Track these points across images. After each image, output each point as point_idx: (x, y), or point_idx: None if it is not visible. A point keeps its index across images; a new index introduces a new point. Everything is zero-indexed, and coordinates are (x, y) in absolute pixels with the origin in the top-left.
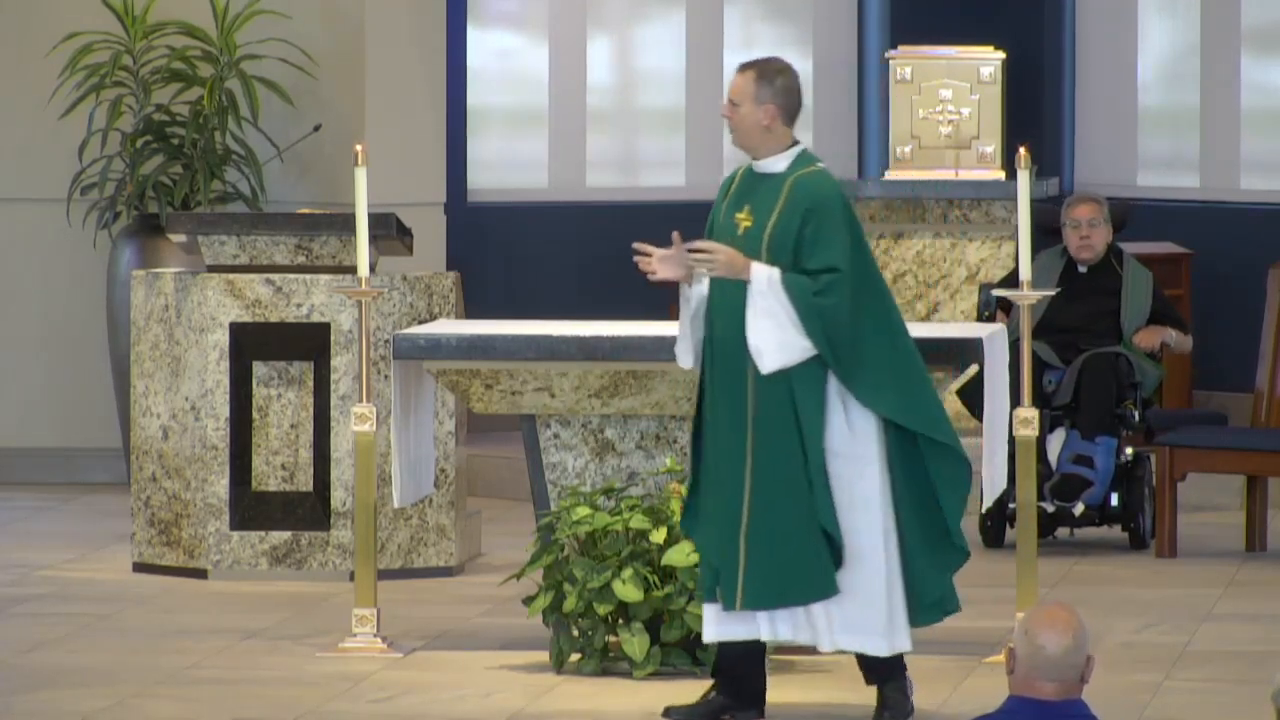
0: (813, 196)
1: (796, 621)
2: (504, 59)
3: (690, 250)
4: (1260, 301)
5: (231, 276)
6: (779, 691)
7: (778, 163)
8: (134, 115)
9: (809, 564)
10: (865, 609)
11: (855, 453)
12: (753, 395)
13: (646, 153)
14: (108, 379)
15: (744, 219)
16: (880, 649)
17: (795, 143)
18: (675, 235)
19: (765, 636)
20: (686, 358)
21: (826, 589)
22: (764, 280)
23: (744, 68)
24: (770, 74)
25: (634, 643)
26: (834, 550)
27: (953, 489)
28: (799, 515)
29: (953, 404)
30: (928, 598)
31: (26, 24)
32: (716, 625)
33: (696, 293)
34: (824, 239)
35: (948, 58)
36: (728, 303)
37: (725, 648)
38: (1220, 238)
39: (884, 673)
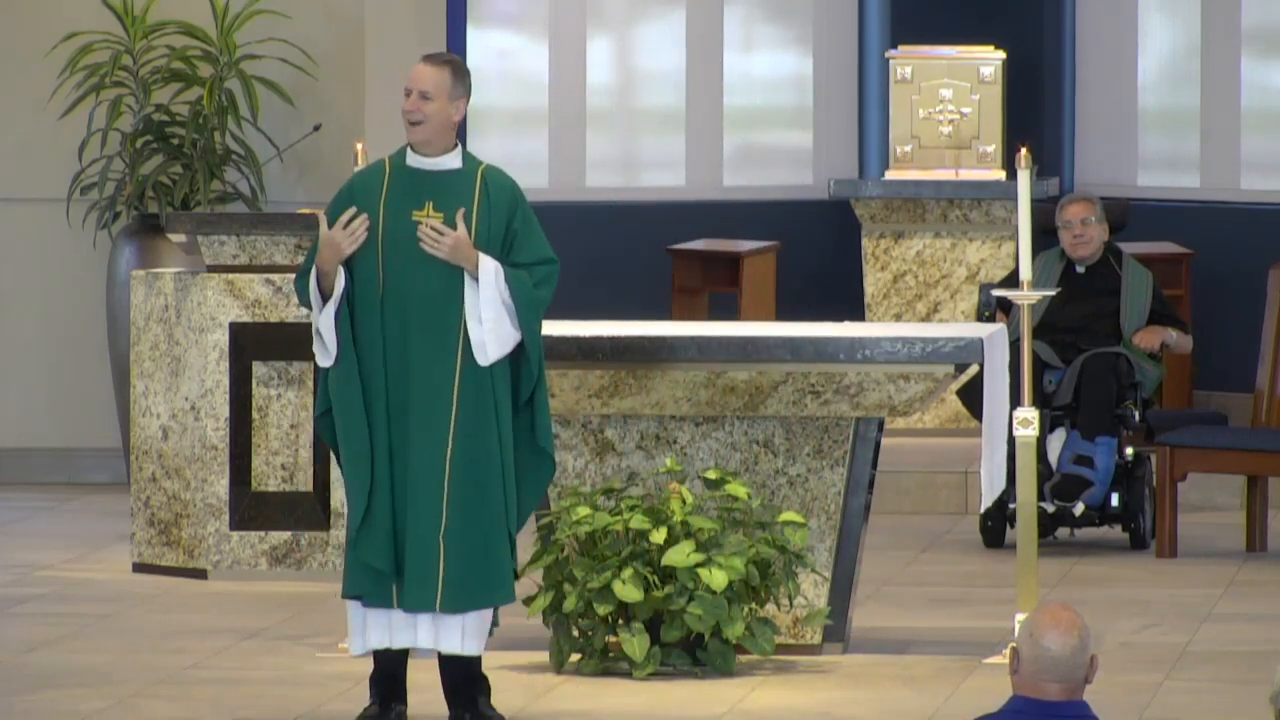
0: (511, 189)
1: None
2: (504, 59)
3: (429, 227)
4: (1260, 301)
5: (231, 276)
6: (779, 692)
7: (453, 159)
8: (134, 115)
9: (502, 565)
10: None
11: None
12: (458, 392)
13: (646, 153)
14: (108, 379)
15: (429, 216)
16: (476, 648)
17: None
18: (351, 213)
19: (426, 644)
20: (328, 356)
21: (512, 592)
22: (492, 272)
23: (435, 62)
24: (462, 71)
25: (634, 643)
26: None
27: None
28: (494, 516)
29: (953, 404)
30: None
31: (26, 24)
32: (388, 632)
33: (340, 284)
34: (533, 231)
35: (948, 58)
36: (418, 295)
37: (383, 654)
38: (1220, 238)
39: (480, 685)
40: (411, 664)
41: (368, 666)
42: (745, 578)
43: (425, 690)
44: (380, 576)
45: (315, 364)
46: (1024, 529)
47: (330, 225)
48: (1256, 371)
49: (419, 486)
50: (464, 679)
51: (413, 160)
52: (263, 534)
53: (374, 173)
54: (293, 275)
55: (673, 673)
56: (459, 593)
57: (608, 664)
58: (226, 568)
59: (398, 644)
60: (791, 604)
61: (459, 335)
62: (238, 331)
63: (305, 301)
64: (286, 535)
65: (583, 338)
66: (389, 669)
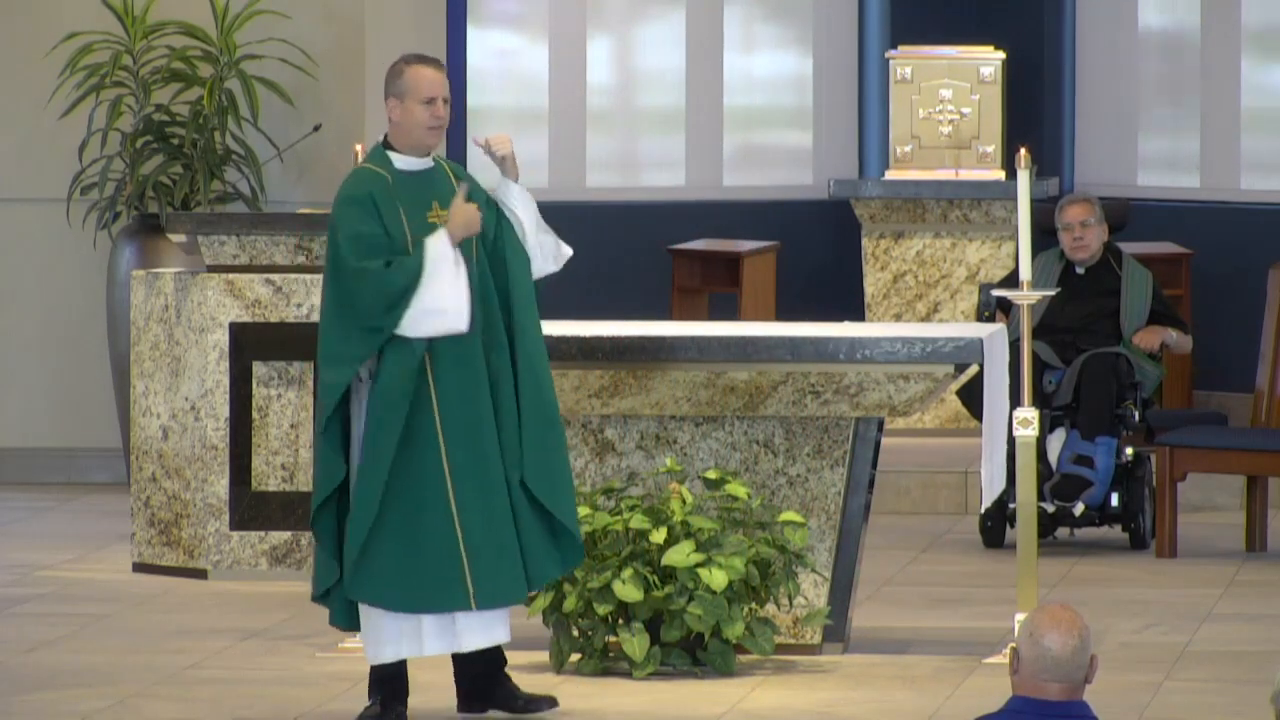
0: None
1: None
2: (504, 59)
3: (499, 154)
4: (1260, 301)
5: (231, 276)
6: (779, 692)
7: (429, 159)
8: (134, 115)
9: (517, 557)
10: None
11: None
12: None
13: (646, 153)
14: (108, 379)
15: (440, 216)
16: (504, 636)
17: None
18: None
19: (467, 647)
20: (465, 318)
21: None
22: (520, 189)
23: (438, 65)
24: None
25: (634, 643)
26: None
27: None
28: (518, 504)
29: (953, 404)
30: None
31: (26, 24)
32: (419, 640)
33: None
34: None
35: (948, 58)
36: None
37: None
38: (1220, 238)
39: (499, 679)
40: (411, 664)
41: (365, 666)
42: (745, 578)
43: (426, 690)
44: (448, 580)
45: (315, 363)
46: (1024, 529)
47: (365, 234)
48: (1256, 371)
49: (482, 484)
50: (495, 663)
51: (401, 164)
52: (263, 534)
53: (378, 180)
54: (293, 275)
55: (673, 673)
56: (498, 588)
57: (608, 664)
58: (226, 568)
59: (432, 651)
60: (791, 604)
61: (497, 330)
62: (238, 331)
63: (403, 302)
64: (286, 535)
65: (583, 338)
66: (394, 669)
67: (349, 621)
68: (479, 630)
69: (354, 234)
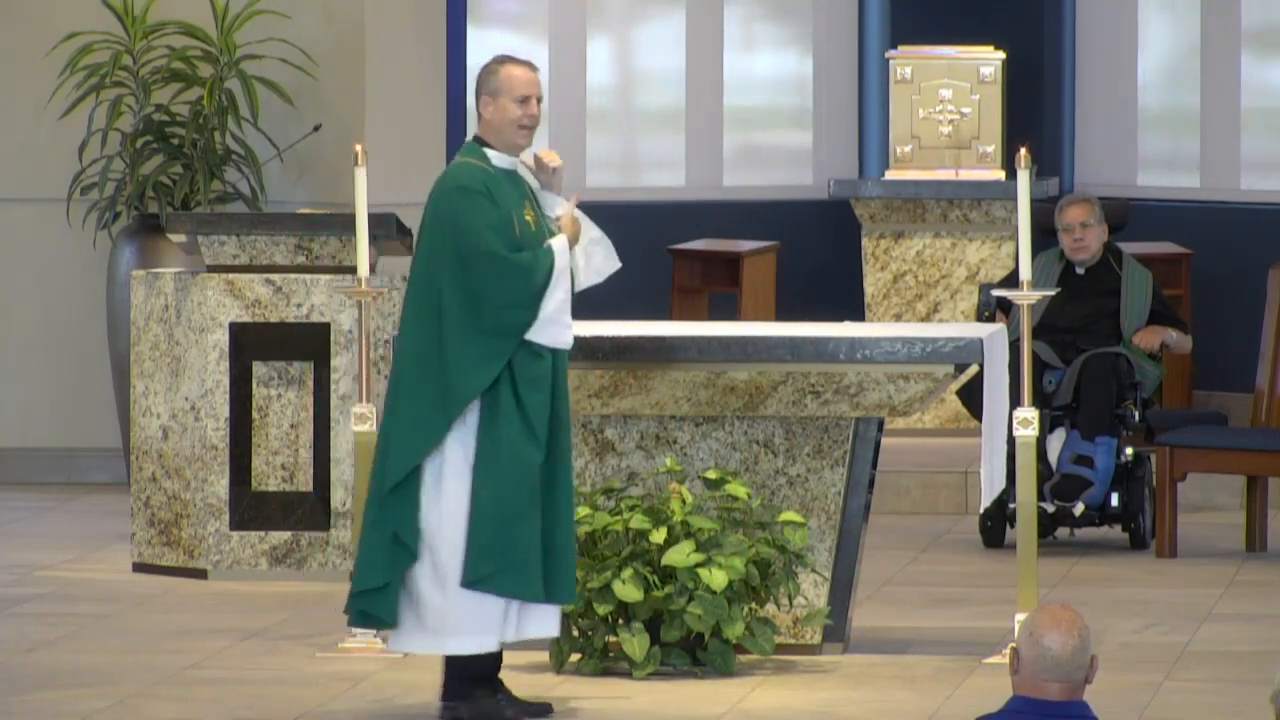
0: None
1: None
2: None
3: (551, 166)
4: (1260, 301)
5: (231, 276)
6: (779, 692)
7: (515, 160)
8: (134, 115)
9: (575, 561)
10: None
11: None
12: (556, 389)
13: (646, 153)
14: (108, 379)
15: (530, 217)
16: (556, 630)
17: None
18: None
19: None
20: (572, 333)
21: None
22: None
23: (532, 66)
24: None
25: (634, 643)
26: None
27: None
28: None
29: (953, 404)
30: None
31: (26, 24)
32: (514, 625)
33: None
34: None
35: (948, 58)
36: None
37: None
38: (1220, 238)
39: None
40: (409, 662)
41: (365, 666)
42: (745, 578)
43: (423, 690)
44: (532, 571)
45: (315, 363)
46: (1024, 529)
47: (498, 224)
48: (1256, 371)
49: (558, 490)
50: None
51: (499, 161)
52: (263, 534)
53: (485, 174)
54: (293, 275)
55: (673, 673)
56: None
57: (608, 664)
58: (226, 568)
59: (525, 635)
60: (791, 604)
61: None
62: (238, 331)
63: (543, 302)
64: (286, 535)
65: (583, 338)
66: (490, 659)
67: (396, 616)
68: (541, 621)
69: (490, 223)
